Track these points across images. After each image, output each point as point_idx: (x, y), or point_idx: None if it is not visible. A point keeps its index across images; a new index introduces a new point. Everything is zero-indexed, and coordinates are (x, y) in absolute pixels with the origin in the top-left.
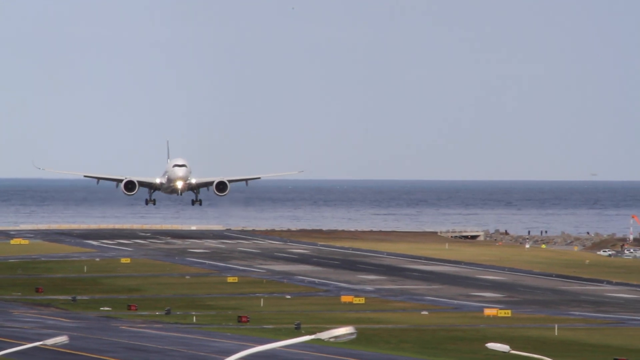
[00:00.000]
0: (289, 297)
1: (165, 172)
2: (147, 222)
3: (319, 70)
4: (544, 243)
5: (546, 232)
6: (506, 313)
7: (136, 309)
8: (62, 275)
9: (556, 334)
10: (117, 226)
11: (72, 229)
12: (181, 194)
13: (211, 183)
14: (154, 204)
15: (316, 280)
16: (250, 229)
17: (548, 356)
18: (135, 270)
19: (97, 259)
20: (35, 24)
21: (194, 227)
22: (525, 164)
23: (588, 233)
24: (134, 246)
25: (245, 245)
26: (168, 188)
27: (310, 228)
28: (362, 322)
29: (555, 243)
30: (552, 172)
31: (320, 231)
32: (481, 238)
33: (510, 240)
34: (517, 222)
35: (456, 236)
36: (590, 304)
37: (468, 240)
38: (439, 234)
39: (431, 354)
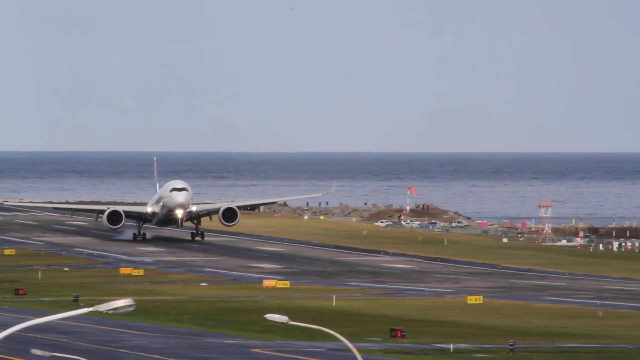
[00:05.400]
0: (67, 269)
1: (160, 199)
2: None
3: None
4: (322, 214)
5: (327, 203)
6: (285, 284)
7: None
8: None
9: (334, 304)
10: None
11: None
12: (182, 225)
13: (216, 211)
14: (144, 238)
15: (95, 252)
16: (28, 200)
17: (326, 326)
18: None
19: None
20: None
21: None
22: (313, 135)
23: (366, 204)
24: None
25: (22, 218)
26: (163, 218)
27: (89, 199)
28: (141, 294)
29: (333, 214)
30: (338, 144)
31: (99, 202)
32: (260, 209)
33: (289, 211)
34: (296, 194)
35: None
36: (367, 275)
37: (247, 211)
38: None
39: (210, 326)
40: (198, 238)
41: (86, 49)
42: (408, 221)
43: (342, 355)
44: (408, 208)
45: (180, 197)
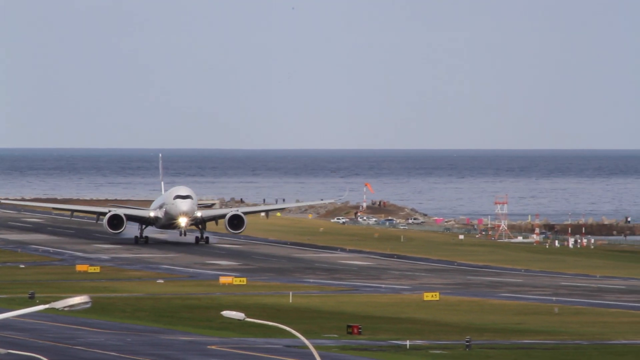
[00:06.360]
0: (23, 266)
1: (163, 205)
2: None
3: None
4: (279, 211)
5: (284, 200)
6: (241, 281)
7: None
8: None
9: (291, 301)
10: None
11: None
12: (185, 234)
13: (222, 216)
14: (146, 241)
15: (51, 249)
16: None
17: (283, 323)
18: None
19: None
20: None
21: None
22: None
23: (322, 200)
24: None
25: None
26: (166, 224)
27: (45, 197)
28: (98, 291)
29: (290, 211)
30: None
31: (54, 200)
32: (217, 206)
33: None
34: (254, 190)
35: None
36: (324, 271)
37: (204, 208)
38: None
39: (166, 322)
40: (202, 242)
41: (46, 44)
42: (365, 218)
43: (299, 352)
44: (365, 205)
45: (184, 205)
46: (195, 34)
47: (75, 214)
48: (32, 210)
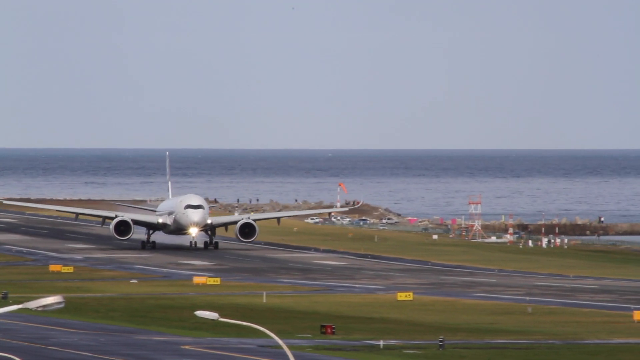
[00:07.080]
0: None
1: (172, 213)
2: None
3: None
4: (252, 211)
5: (257, 200)
6: (215, 281)
7: None
8: None
9: (264, 301)
10: None
11: None
12: (195, 245)
13: (233, 223)
14: (154, 246)
15: (24, 249)
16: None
17: (256, 323)
18: None
19: None
20: None
21: None
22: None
23: (296, 201)
24: None
25: None
26: (175, 232)
27: (18, 197)
28: (71, 291)
29: (264, 211)
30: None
31: (28, 199)
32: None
33: (220, 208)
34: (228, 190)
35: None
36: (298, 271)
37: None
38: (148, 202)
39: (140, 322)
40: (211, 247)
41: (24, 43)
42: (338, 218)
43: (273, 351)
44: (338, 205)
45: (195, 216)
46: (175, 31)
47: (71, 216)
48: (5, 210)
